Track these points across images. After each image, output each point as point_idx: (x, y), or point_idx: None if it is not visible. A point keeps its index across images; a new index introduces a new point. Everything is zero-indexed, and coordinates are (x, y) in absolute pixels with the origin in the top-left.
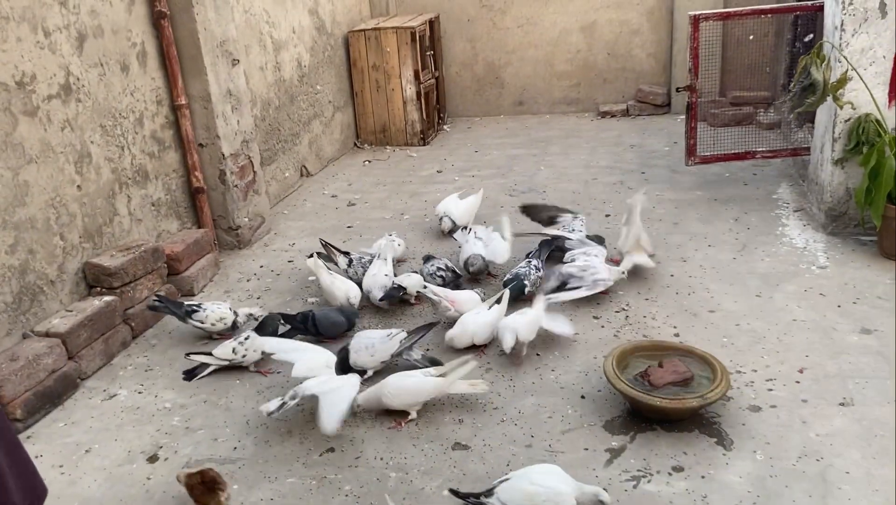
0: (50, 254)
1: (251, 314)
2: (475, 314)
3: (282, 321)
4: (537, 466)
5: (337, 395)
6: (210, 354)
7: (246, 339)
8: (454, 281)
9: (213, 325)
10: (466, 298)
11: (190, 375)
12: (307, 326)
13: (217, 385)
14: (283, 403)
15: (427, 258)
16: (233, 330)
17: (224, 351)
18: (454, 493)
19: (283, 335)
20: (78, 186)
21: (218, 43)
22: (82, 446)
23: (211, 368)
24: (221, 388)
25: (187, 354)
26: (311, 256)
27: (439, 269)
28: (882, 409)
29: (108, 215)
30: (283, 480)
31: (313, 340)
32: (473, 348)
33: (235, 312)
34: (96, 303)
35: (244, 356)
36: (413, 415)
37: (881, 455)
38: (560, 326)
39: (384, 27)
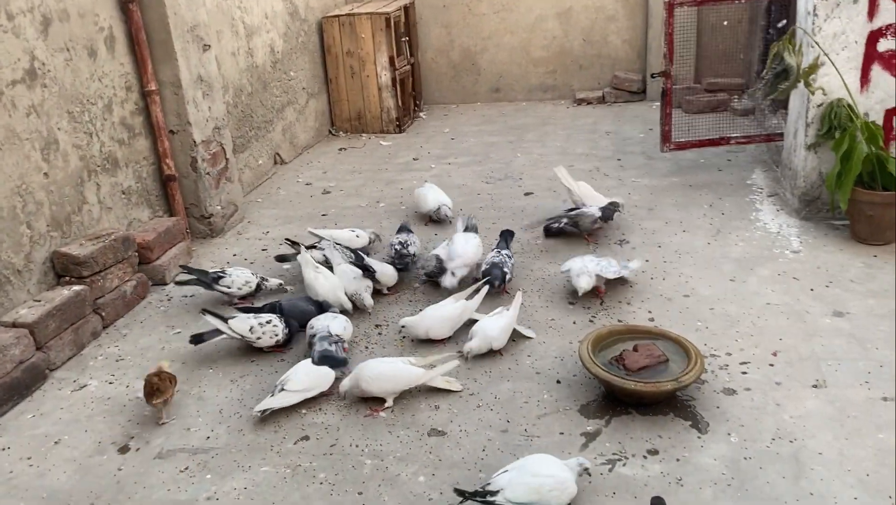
0: (16, 243)
1: (281, 284)
2: (438, 307)
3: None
4: (530, 458)
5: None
6: (226, 321)
7: (268, 322)
8: (399, 261)
9: (239, 288)
10: (472, 251)
11: (197, 340)
12: None
13: (189, 374)
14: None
15: (402, 229)
16: (257, 293)
17: (241, 326)
18: (459, 492)
19: None
20: (45, 174)
21: (188, 28)
22: (51, 438)
23: (221, 337)
24: (194, 377)
25: (203, 311)
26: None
27: (401, 243)
28: (854, 390)
29: (76, 203)
30: (257, 468)
31: None
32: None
33: (260, 277)
34: (65, 292)
35: (259, 338)
36: (389, 403)
37: (853, 436)
38: (527, 330)
39: (358, 13)
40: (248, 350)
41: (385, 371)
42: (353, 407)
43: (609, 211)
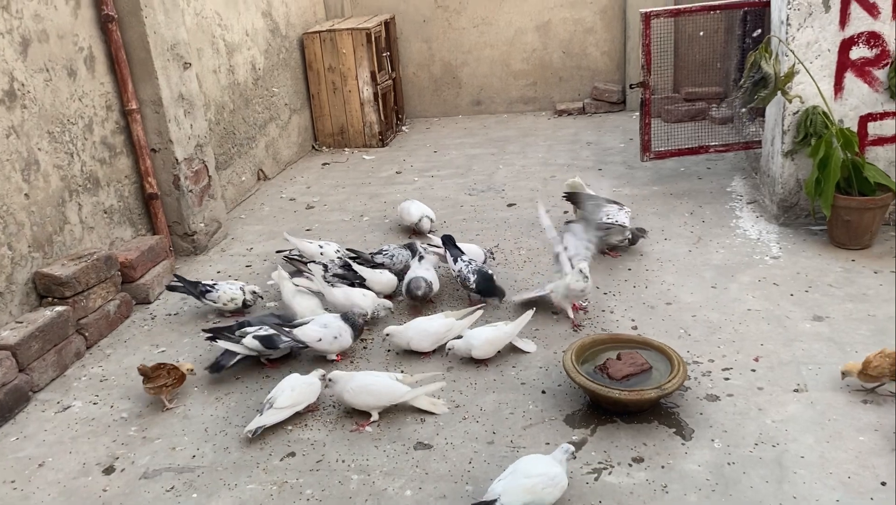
0: None
1: (255, 291)
2: (426, 319)
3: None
4: (521, 461)
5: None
6: (239, 342)
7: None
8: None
9: (224, 304)
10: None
11: (216, 368)
12: None
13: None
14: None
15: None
16: (244, 308)
17: (255, 343)
18: None
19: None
20: (26, 195)
21: (168, 46)
22: (35, 460)
23: (238, 357)
24: (178, 396)
25: (211, 337)
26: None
27: (386, 250)
28: (834, 394)
29: (58, 224)
30: (244, 486)
31: None
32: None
33: (244, 291)
34: (48, 313)
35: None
36: (375, 417)
37: (834, 439)
38: (527, 344)
39: (339, 29)
40: (232, 368)
41: (370, 385)
42: (339, 422)
43: (636, 236)
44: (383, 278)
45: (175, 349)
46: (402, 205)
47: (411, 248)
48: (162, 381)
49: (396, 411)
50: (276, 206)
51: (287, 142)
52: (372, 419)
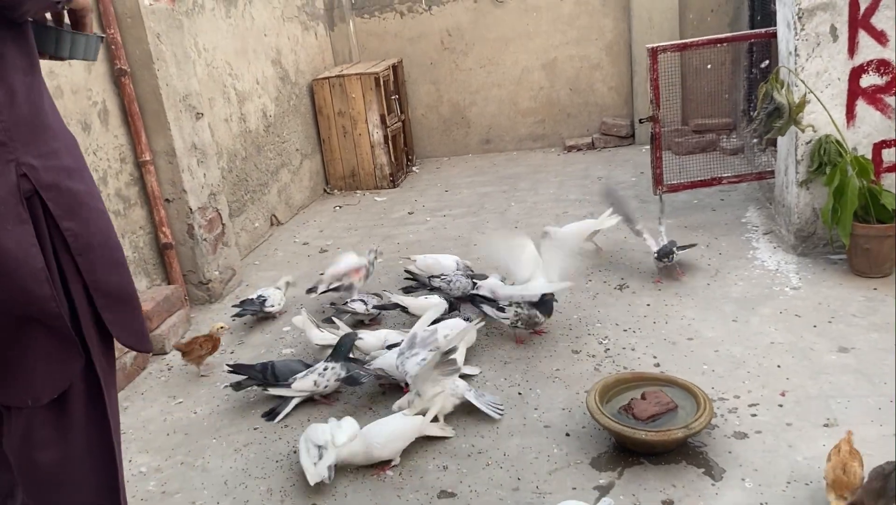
0: None
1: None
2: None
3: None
4: None
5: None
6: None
7: (325, 369)
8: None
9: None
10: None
11: (271, 415)
12: (266, 376)
13: (192, 446)
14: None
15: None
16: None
17: (305, 384)
18: None
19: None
20: None
21: (181, 97)
22: None
23: (294, 403)
24: (197, 448)
25: (264, 389)
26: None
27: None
28: (865, 427)
29: None
30: None
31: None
32: None
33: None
34: None
35: (326, 386)
36: (396, 461)
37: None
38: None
39: (348, 74)
40: (251, 417)
41: (393, 431)
42: (360, 471)
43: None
44: (431, 302)
45: (192, 399)
46: (427, 260)
47: (472, 278)
48: (197, 352)
49: (418, 458)
50: (289, 250)
51: (299, 186)
52: (393, 464)
